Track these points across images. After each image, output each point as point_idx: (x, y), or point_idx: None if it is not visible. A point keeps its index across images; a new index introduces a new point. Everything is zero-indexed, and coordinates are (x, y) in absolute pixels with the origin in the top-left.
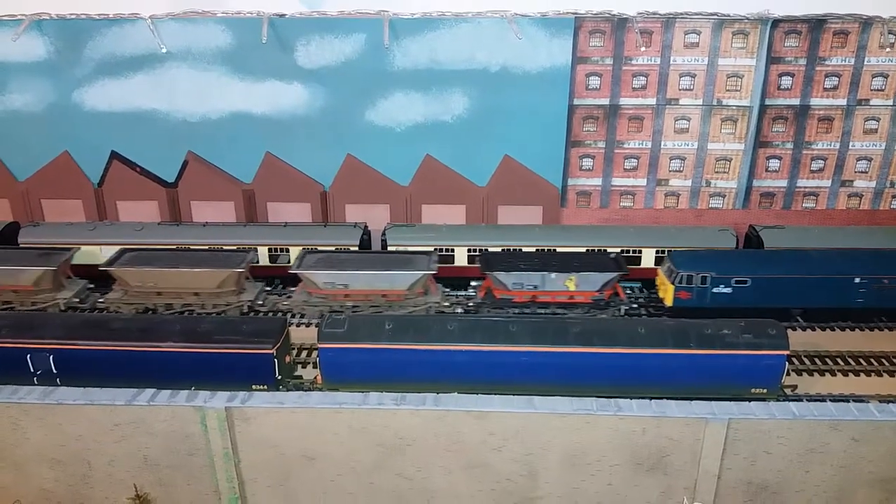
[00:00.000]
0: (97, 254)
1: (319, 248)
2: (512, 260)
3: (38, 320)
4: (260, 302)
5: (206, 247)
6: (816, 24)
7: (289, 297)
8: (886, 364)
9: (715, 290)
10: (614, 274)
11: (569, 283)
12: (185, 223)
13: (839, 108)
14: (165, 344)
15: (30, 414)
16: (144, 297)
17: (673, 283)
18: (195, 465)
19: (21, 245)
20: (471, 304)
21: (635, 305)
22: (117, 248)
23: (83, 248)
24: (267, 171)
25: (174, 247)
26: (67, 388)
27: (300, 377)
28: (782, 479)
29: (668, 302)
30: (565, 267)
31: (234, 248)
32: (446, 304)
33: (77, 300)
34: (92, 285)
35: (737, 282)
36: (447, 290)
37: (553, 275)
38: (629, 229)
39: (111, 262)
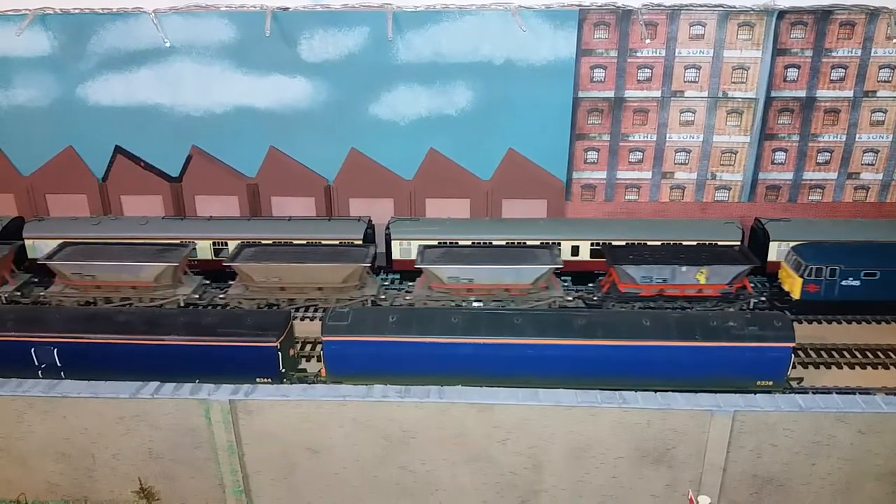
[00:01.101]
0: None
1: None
2: (640, 253)
3: (43, 314)
4: (383, 297)
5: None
6: (823, 16)
7: (408, 292)
8: (893, 357)
9: (843, 282)
10: (746, 267)
11: (699, 277)
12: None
13: (845, 100)
14: (170, 337)
15: (34, 407)
16: (268, 293)
17: (801, 276)
18: (199, 458)
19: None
20: (595, 298)
21: (763, 299)
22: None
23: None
24: (271, 166)
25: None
26: (72, 381)
27: (304, 370)
28: (788, 472)
29: (796, 295)
30: (696, 260)
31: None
32: (569, 298)
33: (196, 296)
34: (207, 281)
35: (866, 274)
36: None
37: (684, 268)
38: (634, 222)
39: (234, 258)
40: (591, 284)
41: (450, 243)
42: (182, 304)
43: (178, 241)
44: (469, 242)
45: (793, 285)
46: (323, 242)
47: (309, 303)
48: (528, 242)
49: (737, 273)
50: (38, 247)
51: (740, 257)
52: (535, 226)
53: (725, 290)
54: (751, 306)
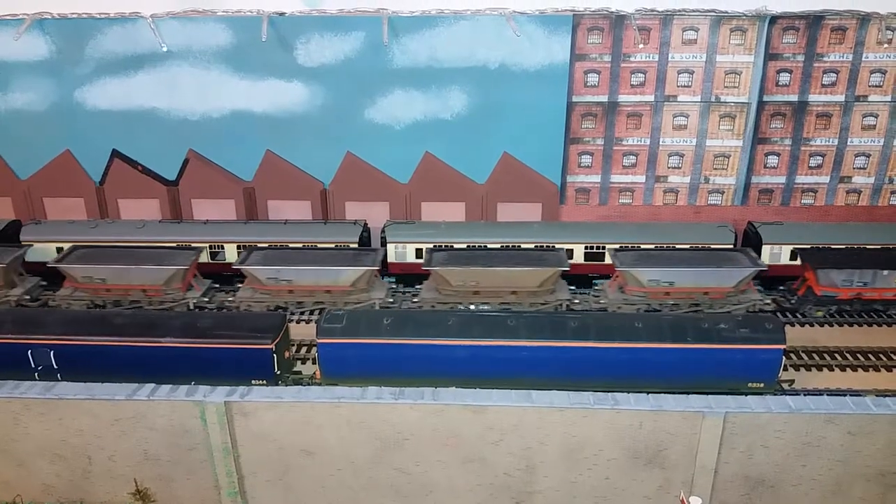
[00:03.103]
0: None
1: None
2: (842, 256)
3: (40, 316)
4: (577, 301)
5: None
6: (814, 21)
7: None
8: (884, 359)
9: None
10: None
11: None
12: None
13: (837, 105)
14: (166, 339)
15: (31, 409)
16: (462, 297)
17: None
18: (195, 460)
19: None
20: (791, 302)
21: None
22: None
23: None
24: (267, 169)
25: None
26: (68, 383)
27: (299, 373)
28: (779, 473)
29: None
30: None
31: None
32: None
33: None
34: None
35: None
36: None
37: (885, 272)
38: (627, 226)
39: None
40: (781, 287)
41: (446, 246)
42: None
43: (181, 246)
44: (465, 246)
45: None
46: (318, 246)
47: (504, 305)
48: (524, 245)
49: None
50: (36, 250)
51: None
52: (530, 229)
53: None
54: None
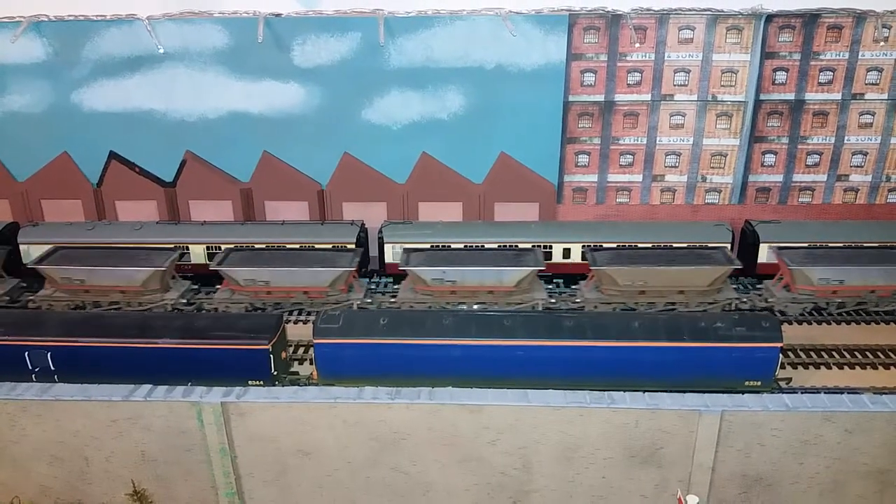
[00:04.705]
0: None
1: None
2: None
3: (37, 318)
4: (745, 299)
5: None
6: (810, 19)
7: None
8: (882, 357)
9: None
10: None
11: None
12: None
13: (834, 103)
14: (162, 340)
15: (28, 410)
16: (628, 297)
17: None
18: (192, 461)
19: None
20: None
21: None
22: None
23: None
24: (264, 170)
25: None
26: (65, 384)
27: (296, 373)
28: (777, 472)
29: None
30: None
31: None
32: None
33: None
34: (196, 286)
35: None
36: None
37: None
38: (625, 225)
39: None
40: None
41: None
42: (170, 309)
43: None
44: (462, 246)
45: None
46: (316, 246)
47: (669, 306)
48: (520, 245)
49: None
50: (34, 252)
51: None
52: (527, 228)
53: None
54: None
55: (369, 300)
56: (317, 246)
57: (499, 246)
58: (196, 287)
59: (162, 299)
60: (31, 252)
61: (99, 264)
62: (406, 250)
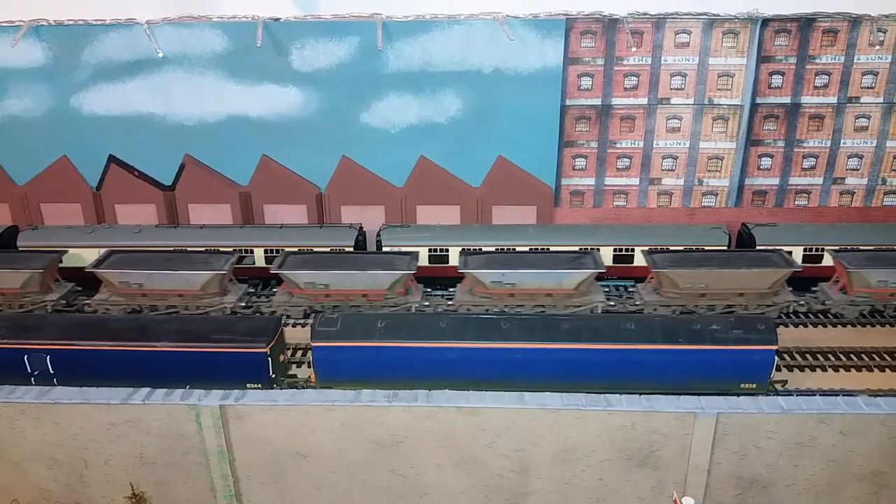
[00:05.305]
0: None
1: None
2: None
3: (36, 321)
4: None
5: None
6: (806, 23)
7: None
8: (877, 359)
9: None
10: None
11: None
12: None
13: (830, 106)
14: (161, 344)
15: (27, 414)
16: (688, 300)
17: None
18: (190, 463)
19: (19, 248)
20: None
21: None
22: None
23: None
24: (263, 174)
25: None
26: (64, 387)
27: (294, 376)
28: (772, 473)
29: None
30: None
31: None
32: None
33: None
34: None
35: None
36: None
37: None
38: (622, 228)
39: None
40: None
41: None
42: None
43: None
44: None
45: None
46: (314, 250)
47: (727, 309)
48: (518, 249)
49: None
50: (88, 256)
51: None
52: (524, 232)
53: None
54: None
55: (427, 303)
56: (315, 249)
57: (496, 249)
58: (252, 290)
59: (221, 303)
60: (83, 256)
61: (157, 268)
62: (463, 252)
